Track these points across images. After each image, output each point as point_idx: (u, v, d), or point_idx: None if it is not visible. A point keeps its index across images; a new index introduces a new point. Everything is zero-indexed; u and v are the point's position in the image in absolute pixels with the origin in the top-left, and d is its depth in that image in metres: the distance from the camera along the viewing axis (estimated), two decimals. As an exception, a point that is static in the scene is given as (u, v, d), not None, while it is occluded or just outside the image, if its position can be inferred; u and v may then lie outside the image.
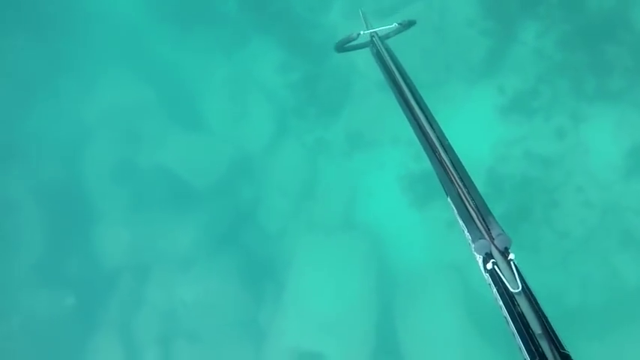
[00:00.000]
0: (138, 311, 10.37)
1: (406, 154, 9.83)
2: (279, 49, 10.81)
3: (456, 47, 9.10)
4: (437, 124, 1.55)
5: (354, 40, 2.82)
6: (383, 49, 2.31)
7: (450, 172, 1.32)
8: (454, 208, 1.34)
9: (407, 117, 1.64)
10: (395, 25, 3.10)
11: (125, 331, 10.28)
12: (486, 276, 1.09)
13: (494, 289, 1.04)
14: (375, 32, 2.70)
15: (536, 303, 1.00)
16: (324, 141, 10.58)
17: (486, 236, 1.15)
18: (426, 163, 8.44)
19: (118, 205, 11.07)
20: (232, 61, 11.21)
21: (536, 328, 0.93)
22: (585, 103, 8.89)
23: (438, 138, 1.51)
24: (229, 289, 10.52)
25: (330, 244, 10.39)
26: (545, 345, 0.93)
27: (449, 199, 1.42)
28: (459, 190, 1.27)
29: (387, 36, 3.00)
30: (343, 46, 2.89)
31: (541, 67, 8.83)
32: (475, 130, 9.26)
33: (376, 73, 9.18)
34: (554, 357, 0.88)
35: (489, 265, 1.09)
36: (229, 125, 11.15)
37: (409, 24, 3.11)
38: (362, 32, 2.87)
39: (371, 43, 2.65)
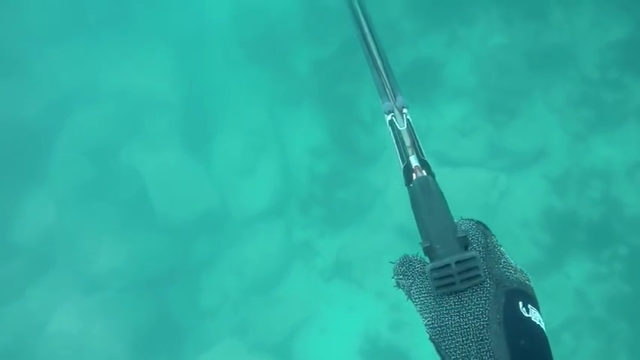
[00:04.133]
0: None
1: (383, 316, 8.88)
2: (324, 129, 10.40)
3: (497, 237, 8.43)
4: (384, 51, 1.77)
5: None
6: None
7: (378, 67, 1.70)
8: (375, 85, 1.77)
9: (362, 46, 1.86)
10: None
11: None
12: (389, 128, 1.53)
13: (391, 134, 1.50)
14: None
15: (413, 131, 1.47)
16: (311, 249, 9.80)
17: (391, 100, 1.59)
18: (395, 338, 7.43)
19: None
20: (274, 112, 10.89)
21: (407, 142, 1.43)
22: (603, 380, 7.91)
23: (377, 48, 1.77)
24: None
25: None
26: (410, 152, 1.46)
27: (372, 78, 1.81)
28: (382, 75, 1.70)
29: None
30: None
31: (573, 314, 8.00)
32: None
33: (398, 216, 8.53)
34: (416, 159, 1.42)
35: (389, 117, 1.56)
36: (226, 169, 10.64)
37: None
38: None
39: None
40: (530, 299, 1.16)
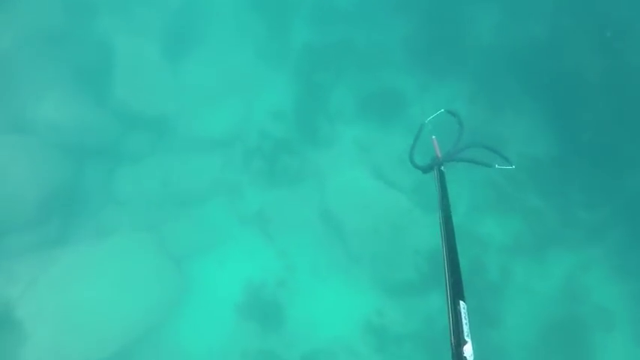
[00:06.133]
0: None
1: (275, 272, 10.11)
2: (293, 101, 11.56)
3: (390, 251, 10.29)
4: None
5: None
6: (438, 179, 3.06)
7: None
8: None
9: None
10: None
11: None
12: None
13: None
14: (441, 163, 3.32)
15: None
16: (239, 191, 10.76)
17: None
18: (278, 293, 8.68)
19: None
20: (257, 62, 11.85)
21: None
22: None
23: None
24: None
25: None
26: None
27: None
28: None
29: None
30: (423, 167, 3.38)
31: (419, 330, 10.06)
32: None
33: (327, 201, 9.84)
34: None
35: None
36: (193, 86, 11.34)
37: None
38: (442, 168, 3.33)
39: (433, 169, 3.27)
40: None
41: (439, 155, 3.34)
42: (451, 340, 1.92)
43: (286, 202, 10.69)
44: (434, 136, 3.54)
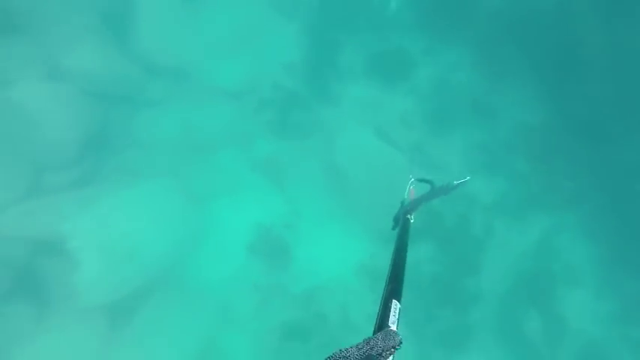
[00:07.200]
0: None
1: (282, 215, 11.32)
2: (304, 54, 12.28)
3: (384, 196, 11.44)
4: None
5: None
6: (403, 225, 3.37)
7: None
8: None
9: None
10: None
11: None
12: None
13: None
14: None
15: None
16: (251, 140, 11.79)
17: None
18: (284, 234, 9.87)
19: None
20: (271, 16, 12.44)
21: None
22: None
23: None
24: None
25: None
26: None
27: None
28: None
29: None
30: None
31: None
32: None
33: (336, 158, 10.86)
34: None
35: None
36: (214, 31, 12.01)
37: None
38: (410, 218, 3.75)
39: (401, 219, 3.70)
40: None
41: (412, 199, 3.83)
42: (375, 324, 2.24)
43: (295, 154, 11.70)
44: (412, 186, 4.04)
